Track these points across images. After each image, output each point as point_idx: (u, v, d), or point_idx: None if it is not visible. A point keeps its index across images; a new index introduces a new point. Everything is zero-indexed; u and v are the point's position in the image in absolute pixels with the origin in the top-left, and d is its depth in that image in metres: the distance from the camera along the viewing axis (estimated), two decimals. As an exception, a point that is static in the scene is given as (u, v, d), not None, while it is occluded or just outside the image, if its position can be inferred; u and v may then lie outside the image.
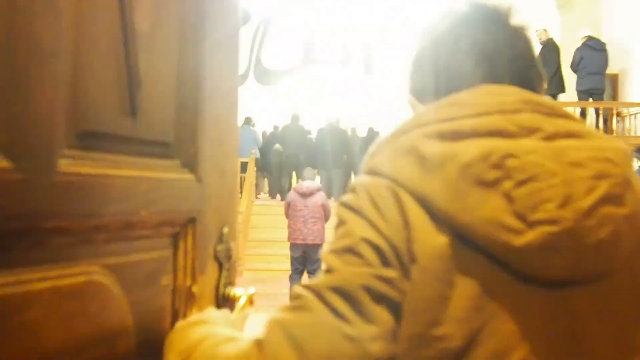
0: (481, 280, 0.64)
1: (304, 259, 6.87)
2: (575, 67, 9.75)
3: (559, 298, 0.66)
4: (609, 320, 0.69)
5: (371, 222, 0.65)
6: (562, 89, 10.00)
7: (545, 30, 10.34)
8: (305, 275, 6.96)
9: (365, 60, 18.77)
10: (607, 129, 9.62)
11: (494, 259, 0.64)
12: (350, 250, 0.64)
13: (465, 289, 0.64)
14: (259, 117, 16.30)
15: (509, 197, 0.62)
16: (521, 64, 0.76)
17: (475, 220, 0.62)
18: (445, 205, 0.63)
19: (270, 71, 19.51)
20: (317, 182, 7.58)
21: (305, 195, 6.86)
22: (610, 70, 9.96)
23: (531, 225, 0.62)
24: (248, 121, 12.86)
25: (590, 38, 9.78)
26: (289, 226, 6.90)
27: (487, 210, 0.62)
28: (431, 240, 0.64)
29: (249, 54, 19.60)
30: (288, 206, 6.96)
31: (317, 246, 6.84)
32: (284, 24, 17.36)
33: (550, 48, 10.11)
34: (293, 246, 6.90)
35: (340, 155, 11.91)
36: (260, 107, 17.71)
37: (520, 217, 0.62)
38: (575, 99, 9.87)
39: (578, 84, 9.73)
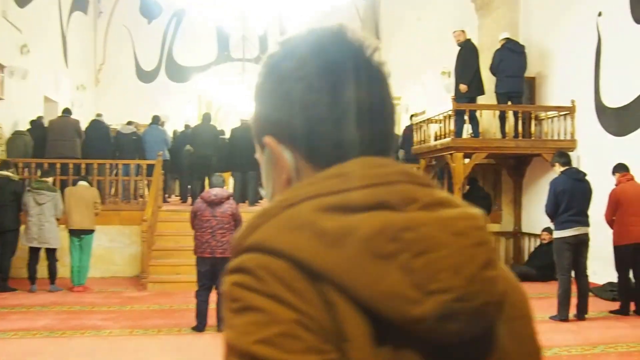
0: (393, 356, 0.64)
1: (212, 273, 6.22)
2: (494, 69, 9.71)
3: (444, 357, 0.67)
4: None
5: (293, 306, 0.60)
6: (481, 92, 9.95)
7: (463, 31, 10.26)
8: (213, 291, 6.31)
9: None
10: (526, 132, 9.60)
11: (400, 332, 0.64)
12: (287, 336, 0.58)
13: None
14: (173, 116, 15.47)
15: (407, 269, 0.63)
16: (390, 124, 0.76)
17: (376, 294, 0.62)
18: (349, 281, 0.62)
19: (183, 67, 18.64)
20: (226, 189, 6.90)
21: (213, 203, 6.22)
22: (528, 73, 9.97)
23: (428, 294, 0.63)
24: (156, 120, 11.98)
25: (509, 40, 9.77)
26: (196, 238, 6.25)
27: (388, 285, 0.62)
28: (356, 319, 0.62)
29: (159, 49, 18.66)
30: (194, 216, 6.30)
31: (227, 260, 6.22)
32: (197, 19, 16.52)
33: (469, 50, 10.03)
34: (200, 260, 6.24)
35: (255, 156, 11.32)
36: (171, 106, 16.85)
37: (419, 287, 0.63)
38: (494, 101, 9.82)
39: (497, 86, 9.70)
